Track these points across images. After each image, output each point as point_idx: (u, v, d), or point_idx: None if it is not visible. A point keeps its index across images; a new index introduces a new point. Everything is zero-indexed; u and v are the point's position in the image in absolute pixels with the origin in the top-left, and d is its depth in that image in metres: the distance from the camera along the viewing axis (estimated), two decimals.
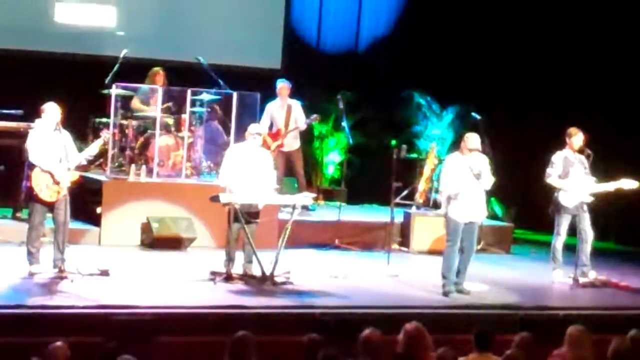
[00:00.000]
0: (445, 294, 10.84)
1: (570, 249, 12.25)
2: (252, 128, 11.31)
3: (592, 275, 12.14)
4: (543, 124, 15.26)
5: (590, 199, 12.04)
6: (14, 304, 9.10)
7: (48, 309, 8.95)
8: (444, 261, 11.00)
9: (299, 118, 14.36)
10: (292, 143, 14.45)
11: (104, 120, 13.67)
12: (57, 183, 10.28)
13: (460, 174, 10.85)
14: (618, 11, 15.98)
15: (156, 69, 14.05)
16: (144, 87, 13.88)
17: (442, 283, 10.94)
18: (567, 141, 12.13)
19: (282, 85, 14.34)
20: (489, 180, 10.98)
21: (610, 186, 12.06)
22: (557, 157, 12.11)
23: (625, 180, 12.06)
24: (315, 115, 14.51)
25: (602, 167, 12.30)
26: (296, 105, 14.39)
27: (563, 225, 12.12)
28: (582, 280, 11.95)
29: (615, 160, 13.39)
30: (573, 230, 12.13)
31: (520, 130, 16.07)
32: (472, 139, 10.95)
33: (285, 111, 14.31)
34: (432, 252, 13.73)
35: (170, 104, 13.84)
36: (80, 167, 10.96)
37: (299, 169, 14.50)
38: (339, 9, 17.81)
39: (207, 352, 8.05)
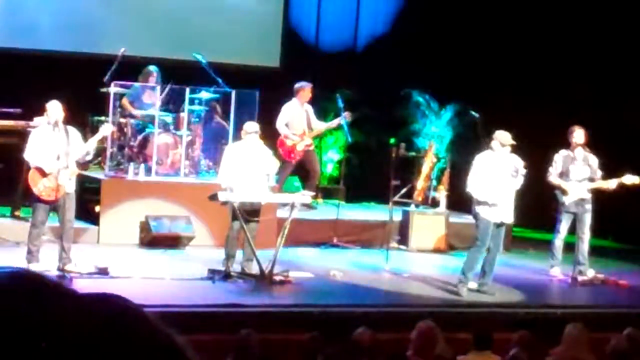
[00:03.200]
0: (458, 292, 10.80)
1: (571, 247, 12.26)
2: (250, 127, 11.30)
3: (591, 273, 12.15)
4: (542, 122, 15.24)
5: (588, 196, 12.05)
6: None
7: None
8: (469, 260, 10.95)
9: (313, 121, 14.42)
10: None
11: (102, 118, 13.66)
12: (53, 180, 10.28)
13: (491, 174, 10.84)
14: (617, 9, 15.98)
15: (150, 68, 14.05)
16: (137, 85, 13.89)
17: (459, 279, 10.89)
18: (569, 139, 12.18)
19: (309, 89, 14.29)
20: (521, 179, 11.00)
21: (612, 183, 12.06)
22: (559, 156, 12.17)
23: (628, 176, 12.06)
24: (347, 112, 14.50)
25: (602, 165, 12.31)
26: (310, 108, 14.45)
27: (563, 223, 12.15)
28: (580, 278, 11.96)
29: (615, 158, 13.37)
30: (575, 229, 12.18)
31: (519, 129, 16.01)
32: (505, 135, 10.94)
33: (305, 113, 14.34)
34: (430, 251, 13.74)
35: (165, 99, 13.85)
36: (79, 166, 10.97)
37: (318, 168, 14.58)
38: (338, 8, 17.81)
39: (206, 351, 8.04)
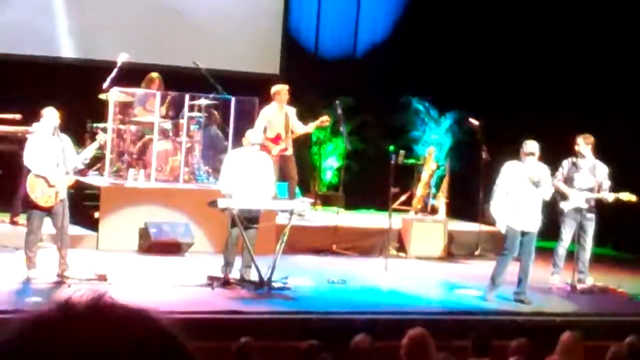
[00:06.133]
0: (485, 298, 10.91)
1: (572, 255, 12.27)
2: (254, 137, 11.30)
3: (590, 281, 12.16)
4: (541, 129, 15.22)
5: (586, 205, 12.05)
6: (11, 309, 9.09)
7: None
8: (496, 267, 11.06)
9: (295, 124, 14.32)
10: (290, 148, 14.44)
11: (102, 125, 13.67)
12: (52, 187, 10.28)
13: (516, 182, 10.91)
14: (619, 15, 15.99)
15: (152, 75, 14.06)
16: (141, 92, 13.90)
17: (487, 285, 11.00)
18: (576, 147, 12.23)
19: (285, 90, 14.25)
20: (549, 189, 11.06)
21: (610, 197, 12.08)
22: (566, 162, 12.21)
23: (625, 193, 12.09)
24: (325, 117, 14.43)
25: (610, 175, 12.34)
26: (291, 111, 14.35)
27: (565, 230, 12.16)
28: (579, 286, 11.97)
29: (618, 167, 13.39)
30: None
31: (518, 136, 16.04)
32: (529, 144, 11.03)
33: (284, 117, 14.26)
34: (429, 258, 13.74)
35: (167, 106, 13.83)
36: (78, 172, 10.97)
37: (294, 174, 14.44)
38: (337, 15, 17.83)
39: (204, 358, 8.02)
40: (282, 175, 14.30)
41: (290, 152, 14.35)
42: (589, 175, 12.11)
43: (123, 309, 1.40)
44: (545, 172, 11.13)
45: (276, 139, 14.17)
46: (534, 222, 11.03)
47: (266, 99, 14.22)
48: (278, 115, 14.17)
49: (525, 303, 10.94)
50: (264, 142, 13.82)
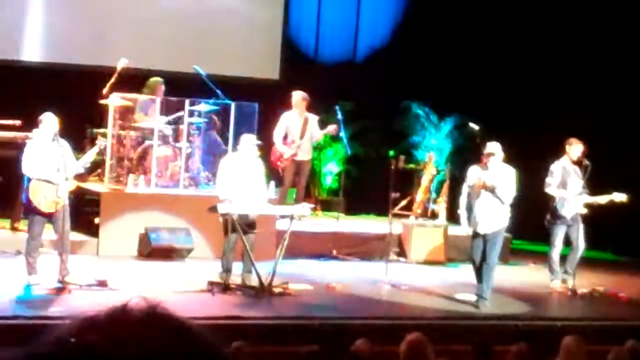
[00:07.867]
0: (475, 306, 10.90)
1: (565, 258, 12.30)
2: (250, 140, 11.31)
3: (589, 286, 12.19)
4: (541, 134, 15.26)
5: (584, 211, 12.08)
6: (11, 314, 9.09)
7: (46, 319, 8.94)
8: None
9: (315, 131, 14.42)
10: (306, 154, 14.51)
11: (101, 130, 13.67)
12: (55, 193, 10.27)
13: (473, 185, 10.92)
14: (616, 22, 16.02)
15: (156, 79, 14.04)
16: (142, 98, 13.88)
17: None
18: (567, 151, 12.19)
19: (300, 98, 14.35)
20: (508, 193, 10.91)
21: (603, 199, 12.12)
22: (556, 167, 12.17)
23: (616, 194, 12.11)
24: (333, 126, 14.49)
25: (599, 179, 12.34)
26: (313, 118, 14.44)
27: (559, 235, 12.17)
28: (579, 291, 11.98)
29: (612, 172, 13.40)
30: (568, 240, 12.23)
31: (518, 141, 16.07)
32: (489, 145, 11.01)
33: (302, 123, 14.36)
34: (429, 263, 13.73)
35: (180, 113, 13.73)
36: (78, 177, 10.96)
37: (303, 181, 14.54)
38: (337, 20, 17.85)
39: None
40: (294, 181, 14.44)
41: (304, 158, 14.42)
42: (577, 179, 12.14)
43: (176, 319, 1.43)
44: (508, 175, 11.00)
45: (289, 144, 14.28)
46: (488, 225, 10.93)
47: (266, 103, 14.24)
48: (296, 122, 14.32)
49: (475, 307, 10.83)
50: (280, 147, 14.02)
